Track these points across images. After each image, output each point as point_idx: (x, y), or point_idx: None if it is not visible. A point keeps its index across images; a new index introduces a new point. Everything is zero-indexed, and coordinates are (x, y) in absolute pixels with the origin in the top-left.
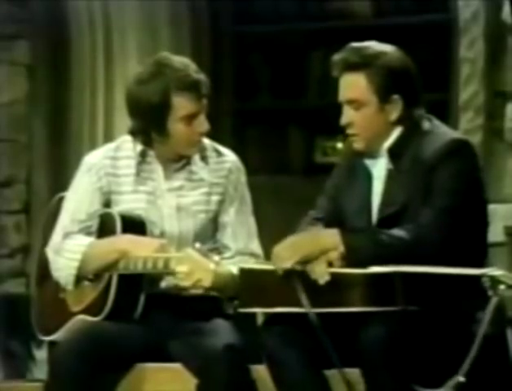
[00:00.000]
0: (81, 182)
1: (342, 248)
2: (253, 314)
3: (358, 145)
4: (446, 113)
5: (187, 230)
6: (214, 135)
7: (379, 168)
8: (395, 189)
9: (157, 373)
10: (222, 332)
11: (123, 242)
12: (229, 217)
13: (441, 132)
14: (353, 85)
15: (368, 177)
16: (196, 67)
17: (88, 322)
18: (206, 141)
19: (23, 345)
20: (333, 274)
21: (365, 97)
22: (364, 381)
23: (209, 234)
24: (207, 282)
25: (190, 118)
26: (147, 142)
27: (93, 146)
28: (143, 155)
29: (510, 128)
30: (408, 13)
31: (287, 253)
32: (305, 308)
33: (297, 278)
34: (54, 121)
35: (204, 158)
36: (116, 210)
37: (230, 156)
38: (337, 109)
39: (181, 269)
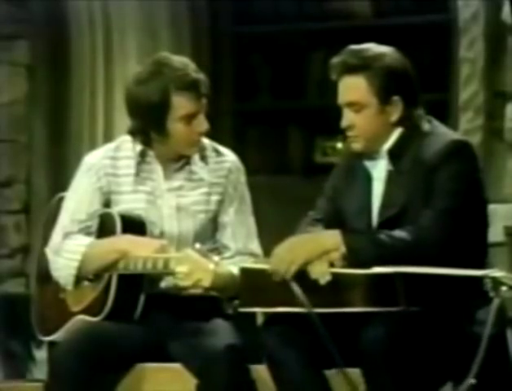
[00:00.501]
0: (81, 182)
1: (343, 249)
2: (253, 314)
3: (357, 146)
4: (446, 113)
5: (186, 230)
6: (213, 135)
7: (379, 169)
8: (395, 190)
9: (157, 373)
10: (221, 332)
11: (123, 242)
12: (229, 217)
13: (441, 133)
14: (353, 88)
15: (368, 178)
16: (195, 66)
17: (88, 323)
18: (206, 141)
19: (23, 345)
20: (334, 275)
21: (366, 99)
22: (364, 381)
23: (208, 234)
24: (207, 282)
25: (189, 118)
26: (147, 142)
27: (93, 146)
28: (142, 155)
29: (510, 128)
30: (407, 13)
31: (288, 257)
32: (306, 308)
33: (297, 281)
34: (54, 121)
35: (203, 158)
36: (115, 210)
37: (229, 156)
38: (336, 109)
39: (181, 269)
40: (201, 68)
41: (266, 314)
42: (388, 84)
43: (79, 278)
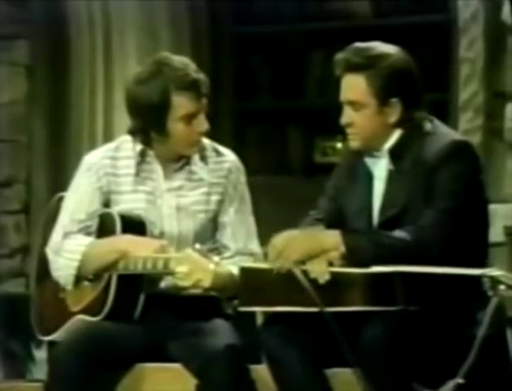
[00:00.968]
0: (81, 181)
1: (342, 249)
2: (253, 314)
3: (355, 144)
4: (445, 113)
5: (186, 230)
6: (213, 135)
7: (380, 168)
8: (396, 190)
9: (157, 373)
10: (221, 332)
11: (123, 242)
12: (229, 216)
13: (442, 133)
14: (353, 87)
15: (369, 177)
16: (195, 66)
17: (88, 322)
18: (206, 141)
19: (22, 345)
20: (334, 274)
21: (364, 99)
22: (363, 381)
23: (208, 234)
24: (207, 282)
25: (190, 118)
26: (147, 142)
27: (92, 146)
28: (142, 155)
29: (510, 128)
30: (407, 13)
31: (286, 251)
32: (316, 303)
33: (303, 275)
34: (53, 121)
35: (203, 158)
36: (115, 210)
37: (229, 156)
38: (336, 109)
39: (181, 269)
40: (201, 68)
41: (266, 313)
42: (388, 85)
43: (79, 278)
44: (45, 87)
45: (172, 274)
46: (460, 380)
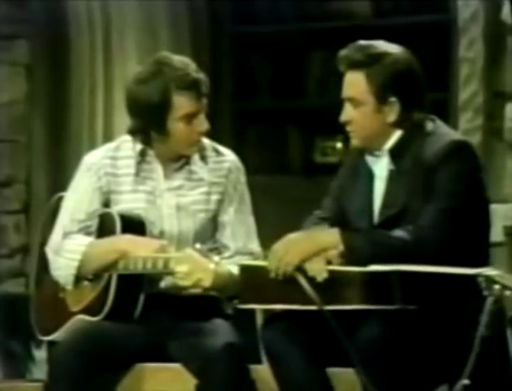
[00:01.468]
0: (81, 181)
1: (341, 247)
2: (253, 314)
3: (354, 141)
4: (445, 113)
5: (186, 229)
6: (213, 135)
7: (381, 168)
8: (396, 190)
9: (157, 373)
10: (221, 332)
11: (123, 242)
12: (228, 216)
13: (442, 133)
14: (353, 84)
15: (370, 176)
16: (195, 66)
17: (87, 322)
18: (206, 141)
19: (22, 345)
20: (332, 272)
21: (363, 96)
22: (361, 379)
23: (208, 233)
24: (207, 282)
25: (190, 117)
26: (147, 142)
27: (92, 146)
28: (142, 155)
29: (510, 128)
30: (407, 13)
31: (287, 256)
32: (315, 303)
33: (302, 275)
34: (53, 121)
35: (203, 158)
36: (115, 210)
37: (229, 156)
38: (336, 109)
39: (181, 269)
40: (201, 68)
41: (266, 312)
42: (387, 84)
43: (79, 278)
44: (44, 87)
45: (172, 273)
46: (465, 382)
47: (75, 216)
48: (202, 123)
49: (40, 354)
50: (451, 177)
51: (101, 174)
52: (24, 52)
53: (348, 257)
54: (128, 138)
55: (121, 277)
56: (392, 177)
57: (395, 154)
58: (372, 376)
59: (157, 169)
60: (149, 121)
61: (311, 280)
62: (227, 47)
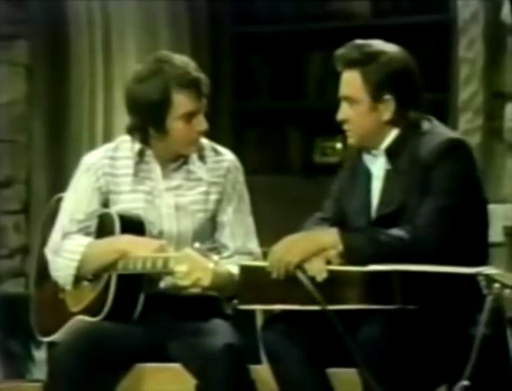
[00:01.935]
0: (80, 182)
1: (340, 247)
2: (253, 314)
3: (351, 140)
4: (445, 113)
5: (185, 229)
6: (212, 135)
7: (378, 167)
8: (393, 189)
9: (157, 373)
10: (221, 332)
11: (122, 242)
12: (227, 216)
13: (438, 132)
14: (349, 82)
15: (368, 176)
16: (195, 65)
17: (87, 323)
18: (204, 140)
19: (22, 346)
20: (331, 272)
21: (358, 95)
22: (360, 380)
23: (207, 233)
24: (206, 281)
25: (189, 116)
26: (145, 140)
27: (92, 146)
28: (141, 155)
29: (510, 128)
30: (407, 13)
31: (287, 256)
32: (316, 301)
33: (304, 274)
34: (53, 121)
35: (202, 157)
36: (114, 210)
37: (228, 156)
38: (336, 110)
39: (180, 268)
40: (201, 68)
41: (266, 313)
42: (382, 82)
43: (78, 279)
44: (44, 87)
45: (171, 273)
46: (466, 383)
47: (74, 216)
48: (201, 123)
49: (40, 355)
50: (447, 175)
51: (100, 174)
52: (23, 52)
53: (347, 256)
54: (127, 138)
55: (120, 277)
56: (389, 177)
57: (392, 153)
58: (373, 375)
59: (156, 169)
60: (148, 119)
61: (311, 280)
62: (227, 47)
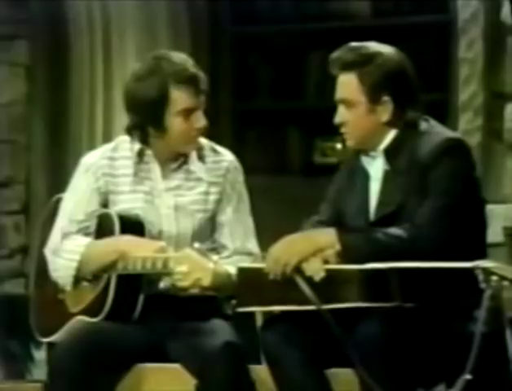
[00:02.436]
0: (79, 182)
1: (338, 247)
2: (252, 315)
3: (349, 143)
4: (445, 114)
5: (185, 229)
6: (212, 135)
7: (376, 168)
8: (392, 190)
9: (157, 373)
10: (221, 333)
11: (122, 242)
12: (226, 216)
13: (436, 132)
14: (345, 85)
15: (366, 177)
16: (193, 62)
17: (87, 323)
18: (203, 140)
19: (22, 346)
20: (329, 271)
21: (355, 97)
22: (360, 378)
23: (207, 233)
24: (206, 281)
25: (188, 113)
26: (144, 139)
27: (92, 146)
28: (140, 155)
29: (509, 128)
30: (407, 13)
31: (284, 257)
32: (313, 304)
33: (300, 276)
34: (53, 122)
35: (201, 157)
36: (114, 210)
37: (227, 156)
38: (336, 110)
39: (180, 269)
40: (201, 68)
41: (265, 314)
42: (379, 84)
43: (78, 279)
44: (44, 87)
45: (171, 273)
46: (468, 376)
47: (74, 217)
48: (200, 119)
49: (40, 355)
50: (446, 175)
51: (99, 175)
52: (23, 52)
53: (345, 256)
54: (126, 138)
55: (120, 277)
56: (387, 178)
57: (390, 154)
58: (370, 374)
59: (155, 169)
60: (147, 117)
61: (309, 280)
62: (227, 47)
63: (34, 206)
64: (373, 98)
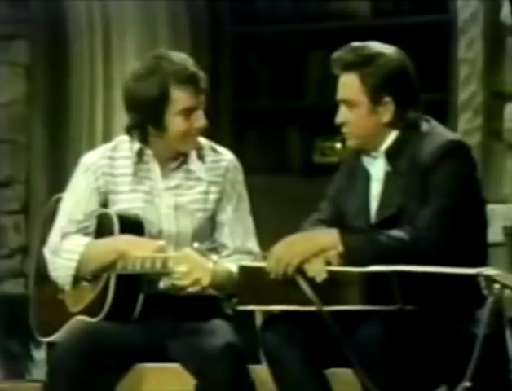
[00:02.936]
0: (79, 182)
1: (340, 248)
2: (252, 314)
3: (350, 143)
4: (445, 114)
5: (185, 229)
6: (213, 135)
7: (377, 169)
8: (393, 191)
9: (156, 373)
10: (220, 333)
11: (121, 242)
12: (226, 215)
13: (438, 133)
14: (347, 85)
15: (367, 178)
16: (193, 61)
17: (87, 323)
18: (203, 140)
19: (22, 346)
20: (331, 273)
21: (357, 97)
22: (360, 380)
23: (207, 233)
24: (206, 281)
25: (188, 112)
26: (144, 139)
27: (92, 146)
28: (140, 155)
29: (509, 128)
30: (407, 13)
31: (286, 257)
32: (314, 304)
33: (302, 277)
34: (53, 122)
35: (201, 157)
36: (113, 210)
37: (227, 155)
38: (335, 110)
39: (180, 268)
40: (201, 68)
41: (265, 313)
42: (381, 84)
43: (77, 279)
44: (44, 87)
45: (171, 273)
46: (467, 384)
47: (73, 216)
48: (200, 119)
49: (39, 355)
50: (447, 177)
51: (99, 175)
52: (23, 52)
53: (347, 257)
54: (125, 138)
55: (119, 277)
56: (388, 179)
57: (391, 155)
58: (371, 377)
59: (155, 168)
60: (147, 117)
61: (311, 281)
62: (226, 47)
63: (34, 206)
64: (375, 98)
